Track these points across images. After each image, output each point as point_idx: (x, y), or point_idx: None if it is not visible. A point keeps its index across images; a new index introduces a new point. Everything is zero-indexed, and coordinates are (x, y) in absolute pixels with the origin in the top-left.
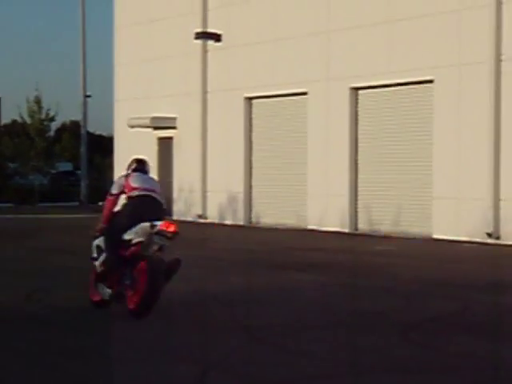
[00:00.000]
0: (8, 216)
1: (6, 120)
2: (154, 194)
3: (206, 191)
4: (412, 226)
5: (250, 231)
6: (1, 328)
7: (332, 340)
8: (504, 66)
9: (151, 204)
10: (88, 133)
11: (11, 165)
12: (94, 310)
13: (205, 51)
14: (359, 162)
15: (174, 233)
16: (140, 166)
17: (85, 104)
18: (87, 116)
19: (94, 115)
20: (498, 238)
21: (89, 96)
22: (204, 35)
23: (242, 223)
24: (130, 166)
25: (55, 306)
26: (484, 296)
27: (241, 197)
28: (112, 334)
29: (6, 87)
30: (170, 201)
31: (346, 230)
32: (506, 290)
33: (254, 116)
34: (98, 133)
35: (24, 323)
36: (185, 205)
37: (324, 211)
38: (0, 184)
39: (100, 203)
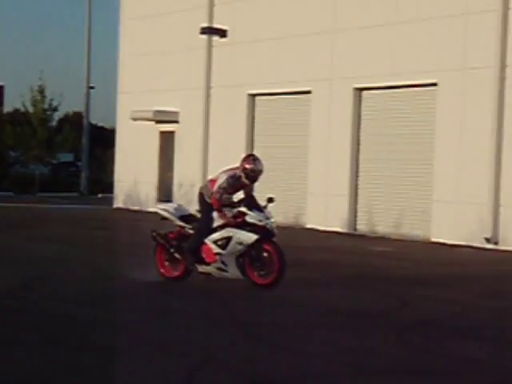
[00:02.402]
0: (8, 205)
1: (8, 108)
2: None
3: None
4: (411, 229)
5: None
6: None
7: (329, 339)
8: (509, 71)
9: None
10: (90, 124)
11: (12, 153)
12: (92, 299)
13: (210, 46)
14: (360, 162)
15: None
16: None
17: (88, 95)
18: (90, 107)
19: (96, 107)
20: (496, 243)
21: (92, 87)
22: (209, 30)
23: None
24: None
25: (50, 296)
26: (479, 300)
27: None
28: (106, 327)
29: (10, 75)
30: (170, 194)
31: (345, 230)
32: (498, 295)
33: (256, 113)
34: (100, 124)
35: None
36: (184, 199)
37: (323, 211)
38: (1, 172)
39: (99, 195)
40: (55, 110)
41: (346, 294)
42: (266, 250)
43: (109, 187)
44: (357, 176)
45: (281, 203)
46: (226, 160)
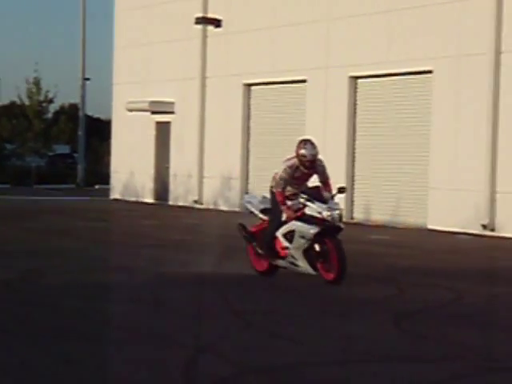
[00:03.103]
0: (4, 197)
1: (4, 101)
2: None
3: (202, 177)
4: (408, 216)
5: (244, 218)
6: None
7: (327, 327)
8: (504, 58)
9: None
10: (86, 116)
11: (8, 146)
12: (89, 290)
13: (205, 36)
14: (356, 150)
15: None
16: None
17: (83, 87)
18: (85, 99)
19: (92, 98)
20: (492, 229)
21: (88, 79)
22: (204, 20)
23: (237, 209)
24: None
25: (46, 287)
26: (475, 287)
27: (237, 183)
28: (102, 317)
29: (5, 68)
30: (166, 185)
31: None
32: (496, 281)
33: (252, 102)
34: (96, 116)
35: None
36: (181, 190)
37: None
38: None
39: (96, 187)
40: (51, 101)
41: (345, 282)
42: (327, 245)
43: (105, 178)
44: (353, 164)
45: None
46: (223, 150)
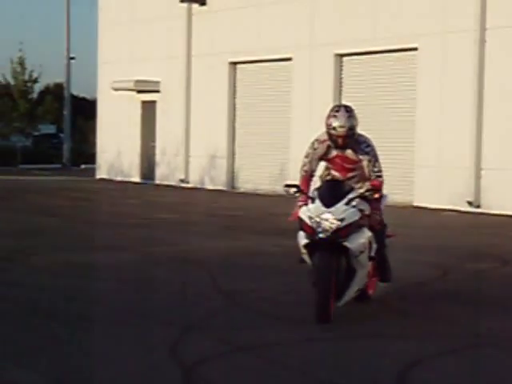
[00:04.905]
0: None
1: None
2: None
3: (188, 155)
4: (393, 193)
5: (231, 196)
6: None
7: (309, 304)
8: (488, 34)
9: None
10: (71, 95)
11: None
12: (76, 270)
13: (190, 15)
14: None
15: None
16: None
17: (69, 66)
18: (71, 78)
19: (77, 78)
20: (478, 206)
21: (73, 58)
22: None
23: (223, 188)
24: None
25: (33, 267)
26: (461, 263)
27: (223, 162)
28: (90, 297)
29: None
30: (152, 164)
31: None
32: (481, 258)
33: (238, 81)
34: (81, 95)
35: None
36: (167, 169)
37: None
38: None
39: (82, 166)
40: (36, 81)
41: None
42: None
43: (92, 158)
44: None
45: (263, 171)
46: (209, 128)
